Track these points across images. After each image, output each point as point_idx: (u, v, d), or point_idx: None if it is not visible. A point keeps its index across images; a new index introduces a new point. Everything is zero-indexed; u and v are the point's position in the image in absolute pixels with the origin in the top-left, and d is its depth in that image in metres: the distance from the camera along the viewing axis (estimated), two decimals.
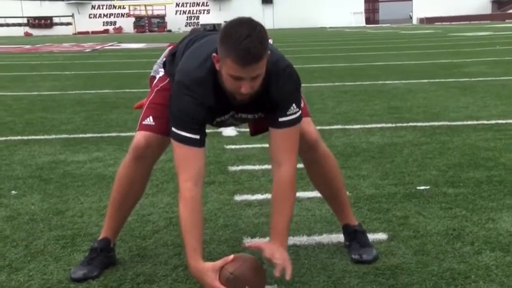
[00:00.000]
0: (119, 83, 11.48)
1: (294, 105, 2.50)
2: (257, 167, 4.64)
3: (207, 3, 77.91)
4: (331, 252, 2.97)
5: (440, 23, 67.27)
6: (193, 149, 2.43)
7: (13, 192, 4.18)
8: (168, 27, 72.97)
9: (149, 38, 42.40)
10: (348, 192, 3.32)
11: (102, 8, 77.08)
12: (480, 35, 29.75)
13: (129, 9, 75.17)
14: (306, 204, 3.64)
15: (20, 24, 71.49)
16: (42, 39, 47.33)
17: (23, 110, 8.14)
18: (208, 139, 2.57)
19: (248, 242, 2.43)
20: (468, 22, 65.45)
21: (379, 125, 6.34)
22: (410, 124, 6.33)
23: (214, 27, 2.99)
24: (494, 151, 4.97)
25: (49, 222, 3.50)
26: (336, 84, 10.43)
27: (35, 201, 3.93)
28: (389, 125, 6.35)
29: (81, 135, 6.23)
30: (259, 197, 3.90)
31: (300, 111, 2.53)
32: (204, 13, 77.54)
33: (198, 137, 2.43)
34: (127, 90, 10.14)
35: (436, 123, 6.34)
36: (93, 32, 70.39)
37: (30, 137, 6.19)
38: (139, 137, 2.67)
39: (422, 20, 73.87)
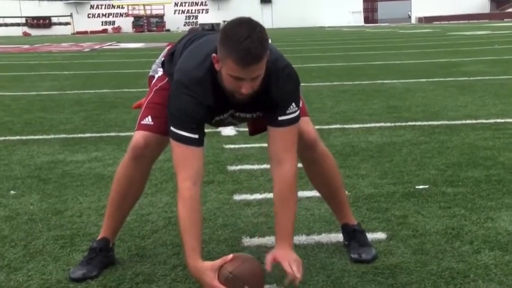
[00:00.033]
0: (117, 83, 11.48)
1: (293, 104, 2.50)
2: (256, 167, 4.64)
3: (205, 2, 77.87)
4: (330, 251, 2.97)
5: (438, 22, 67.29)
6: (192, 148, 2.43)
7: (12, 192, 4.18)
8: (167, 27, 72.93)
9: (148, 38, 42.38)
10: (346, 192, 3.32)
11: (101, 8, 77.02)
12: (479, 34, 29.76)
13: (128, 9, 75.14)
14: (304, 203, 3.64)
15: (18, 24, 71.39)
16: (40, 39, 47.28)
17: (21, 110, 8.13)
18: (207, 139, 2.57)
19: (266, 263, 2.43)
20: (467, 21, 65.48)
21: (377, 125, 6.34)
22: (409, 123, 6.33)
23: (212, 27, 3.00)
24: (493, 150, 4.97)
25: (48, 222, 3.50)
26: (335, 83, 10.43)
27: (33, 201, 3.93)
28: (388, 124, 6.36)
29: (79, 135, 6.23)
30: (258, 196, 3.90)
31: (299, 111, 2.54)
32: (202, 13, 77.52)
33: (197, 136, 2.43)
34: (126, 90, 10.14)
35: (435, 123, 6.34)
36: (91, 32, 70.33)
37: (28, 137, 6.19)
38: (138, 136, 2.66)
39: (421, 19, 73.88)
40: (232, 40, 2.25)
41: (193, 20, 76.57)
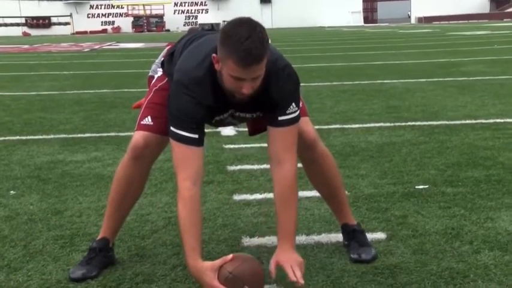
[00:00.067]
0: (117, 83, 11.48)
1: (293, 104, 2.50)
2: (256, 167, 4.64)
3: (205, 2, 77.87)
4: (330, 251, 2.97)
5: (438, 22, 67.30)
6: (192, 148, 2.43)
7: (11, 192, 4.18)
8: (167, 27, 72.94)
9: (147, 38, 42.38)
10: (346, 192, 3.32)
11: (101, 8, 77.01)
12: (478, 34, 29.77)
13: (128, 9, 75.14)
14: (304, 203, 3.64)
15: (18, 24, 71.39)
16: (40, 39, 47.28)
17: (21, 110, 8.13)
18: (207, 138, 2.57)
19: (269, 268, 2.44)
20: (466, 21, 65.49)
21: (377, 125, 6.34)
22: (409, 123, 6.34)
23: (212, 27, 3.01)
24: (492, 150, 4.97)
25: (48, 222, 3.50)
26: (334, 83, 10.43)
27: (33, 201, 3.93)
28: (388, 124, 6.36)
29: (79, 135, 6.23)
30: (257, 196, 3.90)
31: (299, 111, 2.54)
32: (202, 12, 77.51)
33: (196, 136, 2.43)
34: (125, 90, 10.14)
35: (435, 123, 6.34)
36: (91, 32, 70.32)
37: (28, 137, 6.19)
38: (137, 136, 2.66)
39: (420, 19, 73.90)
40: (233, 40, 2.25)
41: (193, 20, 76.57)
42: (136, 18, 74.27)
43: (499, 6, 78.01)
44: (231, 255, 2.37)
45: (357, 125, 6.34)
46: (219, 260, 2.36)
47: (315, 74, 12.12)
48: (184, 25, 72.53)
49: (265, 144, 2.61)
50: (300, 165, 2.71)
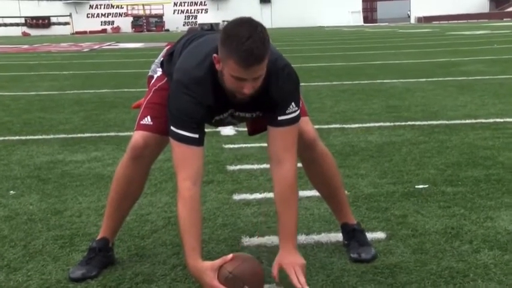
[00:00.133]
0: (117, 83, 11.47)
1: (293, 104, 2.50)
2: (255, 166, 4.64)
3: (205, 2, 77.89)
4: (329, 251, 2.97)
5: (438, 22, 67.32)
6: (192, 148, 2.43)
7: (11, 192, 4.17)
8: (166, 27, 72.97)
9: (147, 38, 42.38)
10: (346, 191, 3.32)
11: (100, 8, 77.03)
12: (478, 34, 29.77)
13: (127, 9, 75.17)
14: (304, 203, 3.64)
15: (17, 24, 71.43)
16: (40, 39, 47.28)
17: (21, 110, 8.13)
18: (207, 138, 2.57)
19: (272, 272, 2.45)
20: (466, 21, 65.51)
21: (377, 124, 6.34)
22: (409, 123, 6.34)
23: (211, 27, 3.00)
24: (492, 150, 4.97)
25: (47, 222, 3.50)
26: (334, 83, 10.43)
27: (33, 201, 3.93)
28: (388, 124, 6.36)
29: (79, 135, 6.23)
30: (257, 196, 3.89)
31: (299, 110, 2.54)
32: (202, 12, 77.54)
33: (197, 136, 2.43)
34: (125, 90, 10.14)
35: (434, 122, 6.34)
36: (91, 32, 70.34)
37: (28, 137, 6.19)
38: (137, 136, 2.66)
39: (420, 19, 73.92)
40: (234, 41, 2.24)
41: (193, 20, 76.61)
42: (136, 18, 74.30)
43: (499, 6, 78.03)
44: (231, 255, 2.37)
45: (356, 125, 6.34)
46: (219, 259, 2.36)
47: (314, 73, 12.12)
48: (183, 25, 72.58)
49: (265, 144, 2.60)
50: (299, 164, 2.71)
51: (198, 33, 2.73)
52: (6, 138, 6.18)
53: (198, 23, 72.67)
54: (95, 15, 77.17)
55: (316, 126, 2.96)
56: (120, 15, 75.91)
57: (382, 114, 6.93)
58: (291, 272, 2.42)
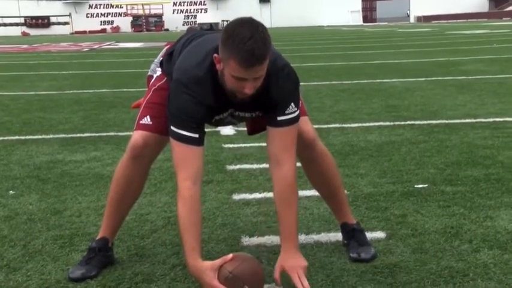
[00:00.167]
0: (116, 83, 11.47)
1: (292, 104, 2.50)
2: (255, 166, 4.64)
3: (204, 2, 77.89)
4: (329, 250, 2.97)
5: (437, 21, 67.32)
6: (192, 147, 2.42)
7: (11, 192, 4.17)
8: (166, 26, 72.97)
9: (147, 37, 42.37)
10: (346, 191, 3.32)
11: (100, 8, 77.03)
12: (477, 33, 29.78)
13: (127, 9, 75.17)
14: (304, 202, 3.64)
15: (17, 24, 71.42)
16: (39, 38, 47.27)
17: (20, 110, 8.13)
18: (207, 138, 2.56)
19: (275, 275, 2.46)
20: (465, 20, 65.53)
21: (376, 124, 6.34)
22: (408, 122, 6.34)
23: (211, 27, 3.00)
24: (492, 149, 4.97)
25: (47, 222, 3.50)
26: (334, 82, 10.43)
27: (32, 201, 3.93)
28: (387, 123, 6.36)
29: (78, 135, 6.22)
30: (257, 195, 3.89)
31: (298, 111, 2.53)
32: (201, 12, 77.54)
33: (197, 135, 2.43)
34: (124, 90, 10.13)
35: (434, 122, 6.34)
36: (90, 32, 70.35)
37: (27, 137, 6.19)
38: (136, 136, 2.66)
39: (419, 18, 73.95)
40: (235, 41, 2.24)
41: (192, 19, 76.60)
42: (136, 17, 74.32)
43: (498, 5, 78.03)
44: (230, 255, 2.37)
45: (356, 124, 6.34)
46: (218, 259, 2.36)
47: (314, 73, 12.12)
48: (183, 25, 72.58)
49: (265, 144, 2.60)
50: (299, 164, 2.71)
51: (197, 33, 2.72)
52: (6, 138, 6.18)
53: (197, 22, 72.65)
54: (95, 15, 77.15)
55: (316, 126, 2.96)
56: (120, 15, 75.92)
57: (381, 114, 6.93)
58: (294, 276, 2.44)
